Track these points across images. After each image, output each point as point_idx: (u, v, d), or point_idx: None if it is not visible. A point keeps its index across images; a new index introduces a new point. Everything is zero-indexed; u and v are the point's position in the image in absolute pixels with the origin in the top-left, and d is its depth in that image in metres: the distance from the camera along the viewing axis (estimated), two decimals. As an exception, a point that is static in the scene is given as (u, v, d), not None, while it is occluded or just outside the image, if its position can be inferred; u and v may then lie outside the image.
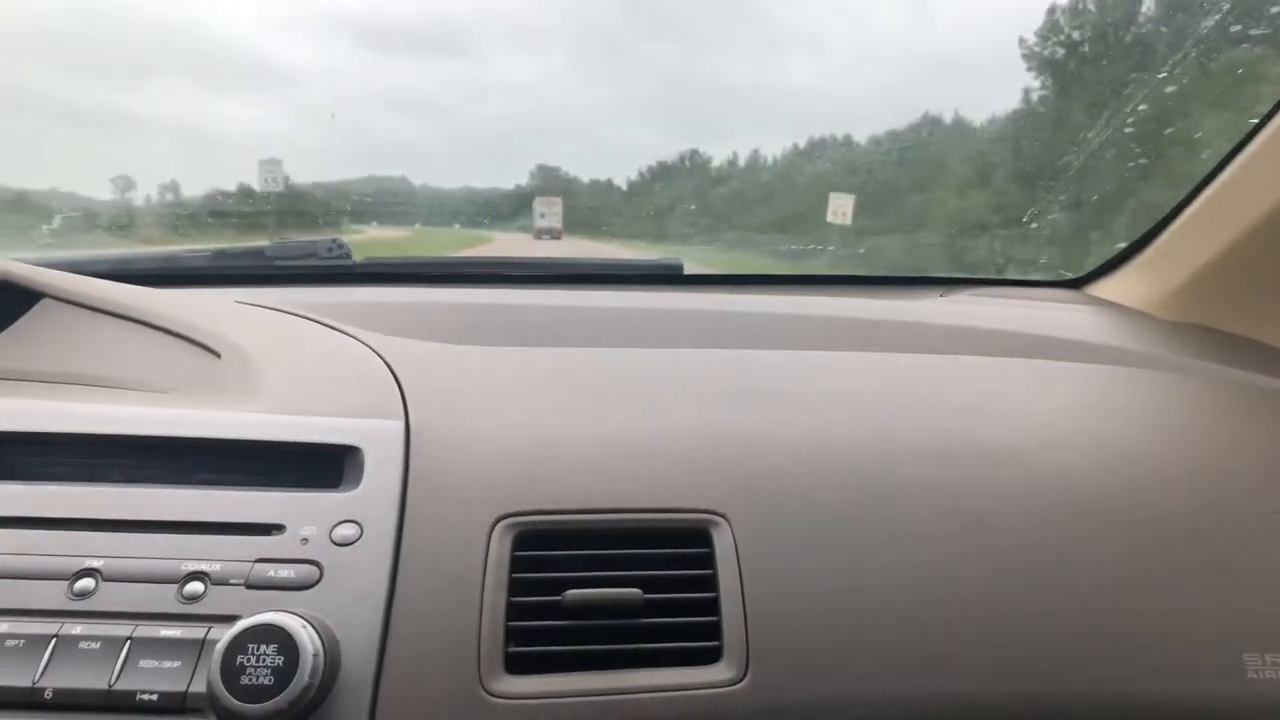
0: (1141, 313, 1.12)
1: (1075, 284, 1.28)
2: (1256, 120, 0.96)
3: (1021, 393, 0.88)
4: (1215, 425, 0.86)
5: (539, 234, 3.46)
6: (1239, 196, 0.98)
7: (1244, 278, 1.01)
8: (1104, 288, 1.22)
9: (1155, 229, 1.13)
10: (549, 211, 3.48)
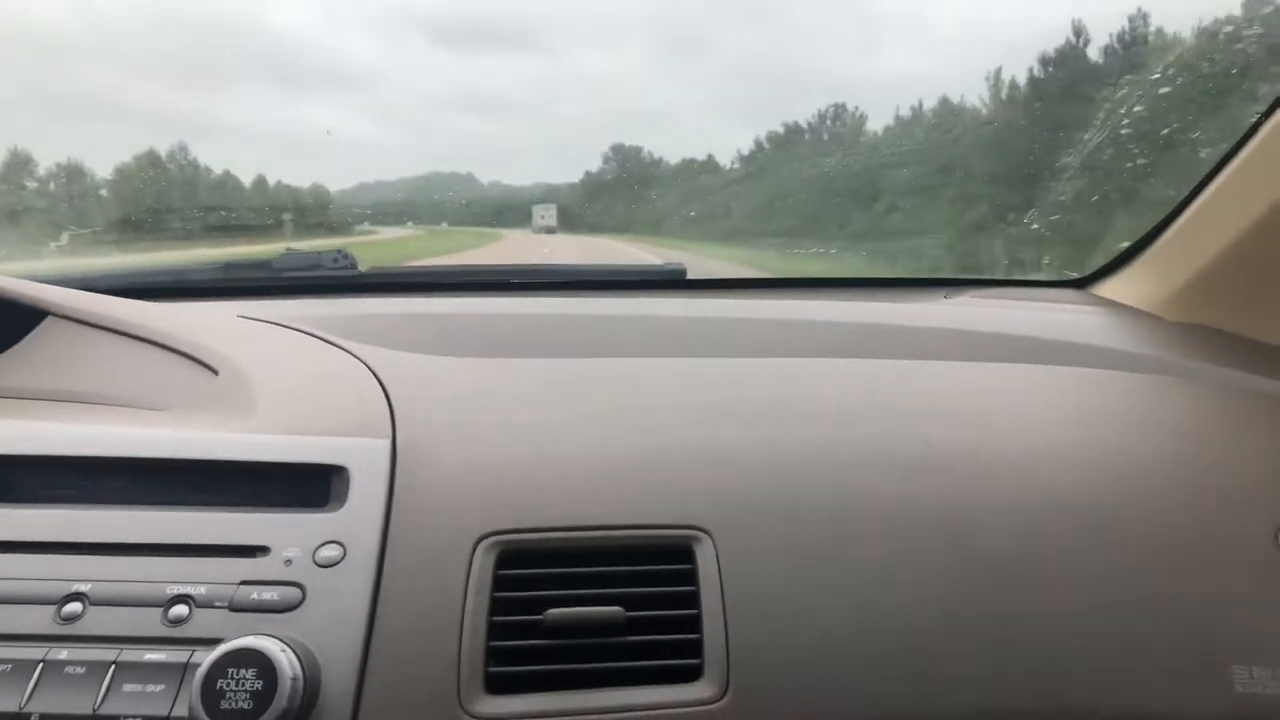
0: (1147, 314, 1.08)
1: (1080, 284, 1.24)
2: (1256, 116, 0.95)
3: (1022, 401, 0.84)
4: (1217, 435, 0.82)
5: (537, 230, 4.41)
6: (1238, 195, 0.94)
7: (1246, 278, 0.97)
8: (1109, 288, 1.18)
9: (1158, 228, 1.08)
10: (546, 214, 4.42)
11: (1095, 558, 0.67)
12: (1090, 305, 1.16)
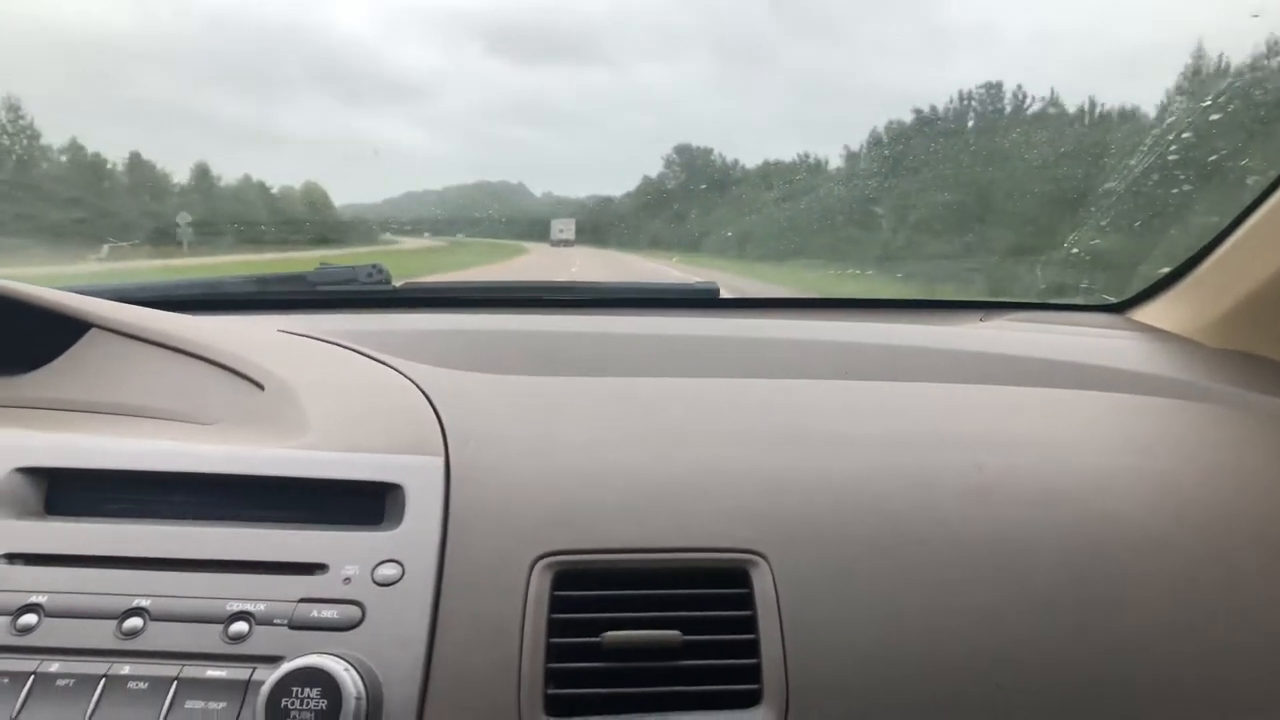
0: (1186, 339, 1.06)
1: (1117, 308, 1.22)
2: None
3: (1066, 427, 0.83)
4: (1267, 464, 0.80)
5: (555, 243, 4.56)
6: None
7: None
8: (1147, 313, 1.16)
9: (1200, 254, 1.07)
10: (565, 228, 4.57)
11: (1151, 588, 0.66)
12: (1128, 330, 1.14)
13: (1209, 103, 1.30)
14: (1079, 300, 1.35)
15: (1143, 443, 0.83)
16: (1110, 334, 1.12)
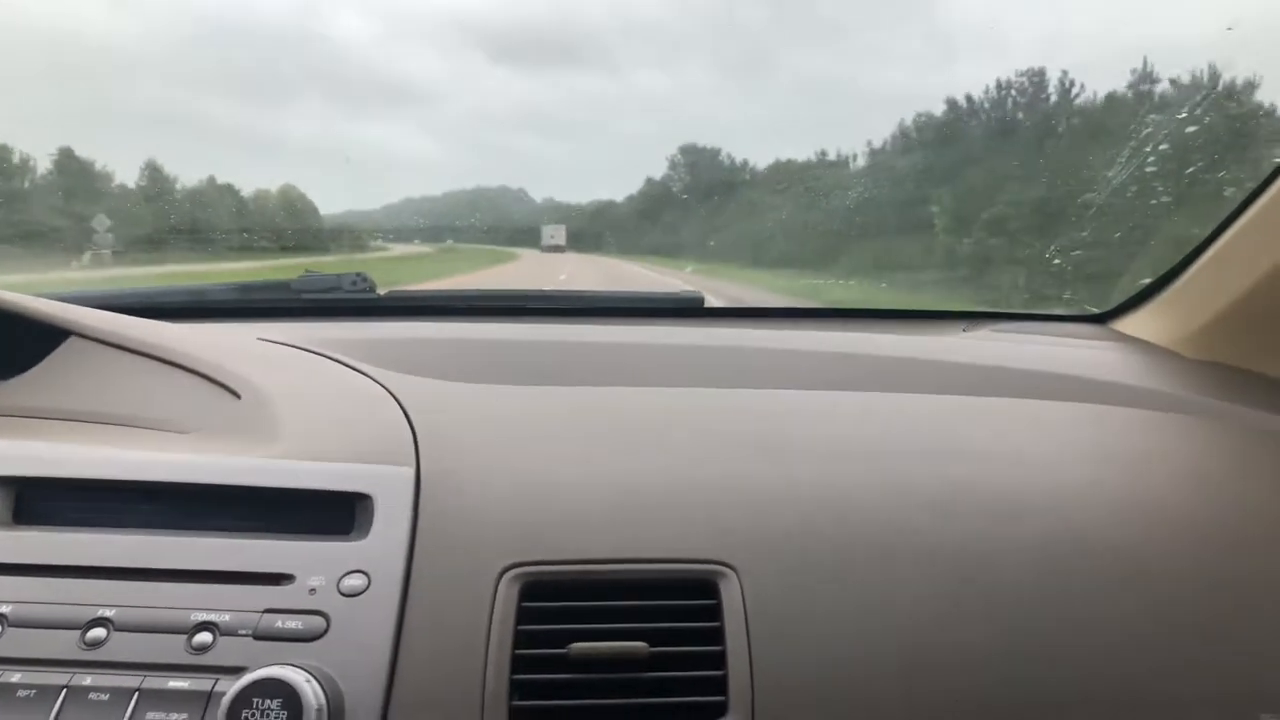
0: (1167, 350, 1.07)
1: (1100, 319, 1.23)
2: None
3: (1044, 439, 0.83)
4: (1241, 477, 0.81)
5: (545, 249, 4.55)
6: (1264, 235, 0.93)
7: (1270, 317, 0.96)
8: (1129, 323, 1.17)
9: (1181, 265, 1.07)
10: (555, 234, 4.57)
11: (1120, 601, 0.66)
12: (1110, 341, 1.15)
13: (1184, 115, 1.32)
14: (1062, 310, 1.36)
15: (1118, 453, 0.83)
16: (1092, 345, 1.12)
